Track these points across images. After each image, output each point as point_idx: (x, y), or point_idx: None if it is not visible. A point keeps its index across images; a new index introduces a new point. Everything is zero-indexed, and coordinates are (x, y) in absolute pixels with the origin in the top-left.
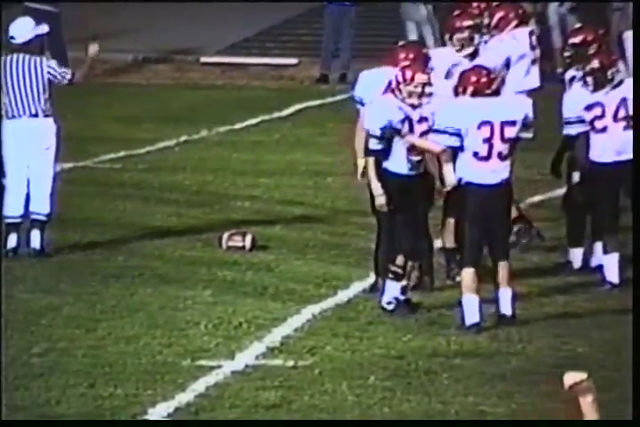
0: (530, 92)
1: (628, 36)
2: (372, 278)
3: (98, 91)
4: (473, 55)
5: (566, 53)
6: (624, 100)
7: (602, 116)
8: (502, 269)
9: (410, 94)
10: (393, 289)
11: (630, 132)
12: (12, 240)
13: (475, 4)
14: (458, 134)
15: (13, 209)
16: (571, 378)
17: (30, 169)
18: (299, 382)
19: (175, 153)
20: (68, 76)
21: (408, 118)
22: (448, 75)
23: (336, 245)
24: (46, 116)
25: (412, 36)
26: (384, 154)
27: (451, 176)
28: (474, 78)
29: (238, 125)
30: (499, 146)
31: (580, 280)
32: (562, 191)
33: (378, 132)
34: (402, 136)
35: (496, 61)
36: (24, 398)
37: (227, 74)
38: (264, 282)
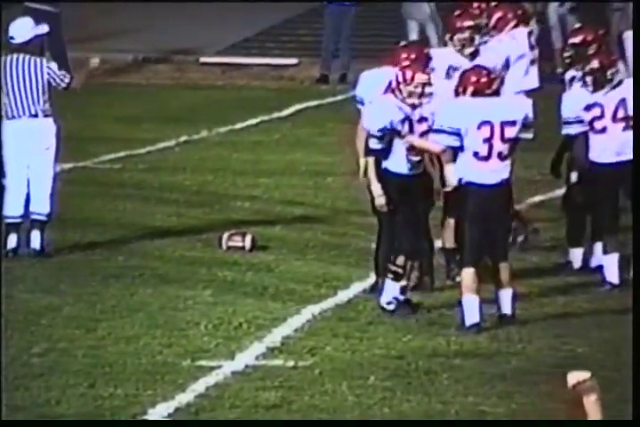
0: (529, 93)
1: (628, 36)
2: (372, 278)
3: (98, 91)
4: (473, 55)
5: (566, 53)
6: (623, 100)
7: (601, 117)
8: (503, 270)
9: (410, 94)
10: (392, 289)
11: (629, 133)
12: (12, 240)
13: (475, 5)
14: (458, 134)
15: (13, 209)
16: (574, 377)
17: (30, 169)
18: (299, 382)
19: (175, 153)
20: (67, 80)
21: (408, 118)
22: (448, 75)
23: (336, 245)
24: (46, 116)
25: (413, 35)
26: (384, 154)
27: (451, 176)
28: (474, 78)
29: (238, 125)
30: (499, 146)
31: (579, 280)
32: (562, 191)
33: (378, 132)
34: (402, 137)
35: (496, 61)
36: (24, 398)
37: (227, 74)
38: (264, 282)
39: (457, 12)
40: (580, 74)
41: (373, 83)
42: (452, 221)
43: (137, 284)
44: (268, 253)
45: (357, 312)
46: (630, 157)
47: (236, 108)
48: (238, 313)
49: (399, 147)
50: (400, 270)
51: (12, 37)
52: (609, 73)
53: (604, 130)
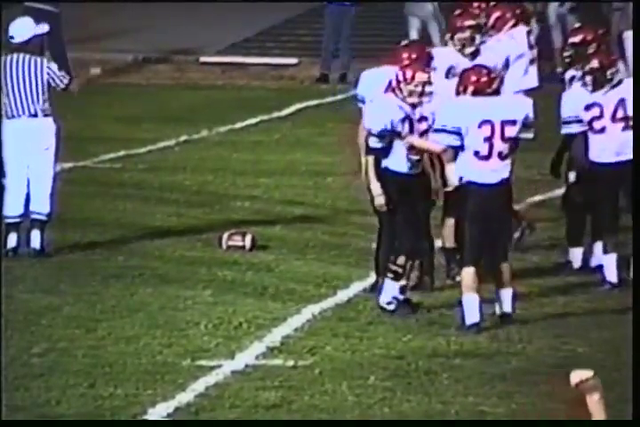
0: (528, 92)
1: (628, 35)
2: (372, 278)
3: (98, 91)
4: (474, 55)
5: (566, 53)
6: (622, 100)
7: (600, 117)
8: (504, 270)
9: (410, 93)
10: (391, 289)
11: (628, 133)
12: (12, 240)
13: (475, 4)
14: (458, 133)
15: (13, 209)
16: (577, 376)
17: (30, 169)
18: (299, 382)
19: (175, 153)
20: (66, 81)
21: (408, 117)
22: (449, 74)
23: (336, 245)
24: (46, 115)
25: (413, 33)
26: (384, 153)
27: (453, 176)
28: (474, 78)
29: (238, 125)
30: (499, 145)
31: (579, 280)
32: (561, 191)
33: (378, 132)
34: (402, 138)
35: (496, 61)
36: (24, 398)
37: (227, 74)
38: (264, 282)
39: (457, 12)
40: (579, 73)
41: (374, 82)
42: (451, 221)
43: (137, 284)
44: (267, 252)
45: (357, 312)
46: (629, 156)
47: (235, 108)
48: (238, 313)
49: (399, 146)
50: (400, 270)
51: (11, 37)
52: (609, 73)
53: (603, 130)
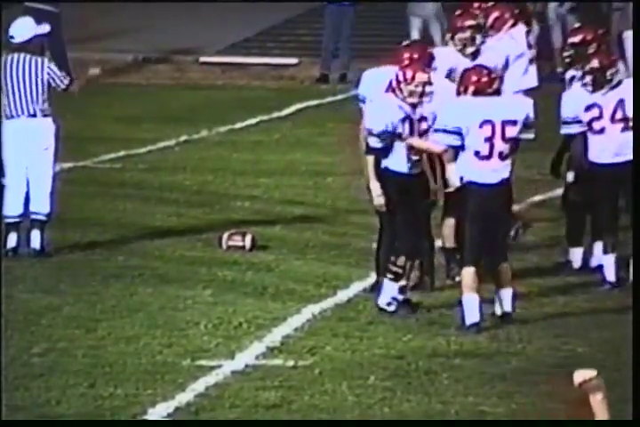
0: (528, 92)
1: (628, 35)
2: (372, 278)
3: (98, 91)
4: (475, 55)
5: (566, 53)
6: (621, 101)
7: (599, 118)
8: (504, 270)
9: (411, 93)
10: (391, 289)
11: (627, 134)
12: (12, 240)
13: (476, 5)
14: (459, 133)
15: (13, 208)
16: (580, 376)
17: (29, 169)
18: (299, 382)
19: (175, 153)
20: (66, 82)
21: (409, 118)
22: (450, 74)
23: (336, 245)
24: (45, 116)
25: (415, 32)
26: (384, 153)
27: (454, 176)
28: (475, 78)
29: (238, 125)
30: (500, 145)
31: (579, 280)
32: (562, 191)
33: (378, 132)
34: (403, 140)
35: (497, 61)
36: (24, 398)
37: (227, 74)
38: (264, 282)
39: (458, 12)
40: (579, 73)
41: (376, 81)
42: (451, 221)
43: (137, 284)
44: (267, 252)
45: (357, 312)
46: (628, 157)
47: (235, 108)
48: (238, 313)
49: (400, 146)
50: (400, 271)
51: (11, 37)
52: (609, 73)
53: (602, 130)
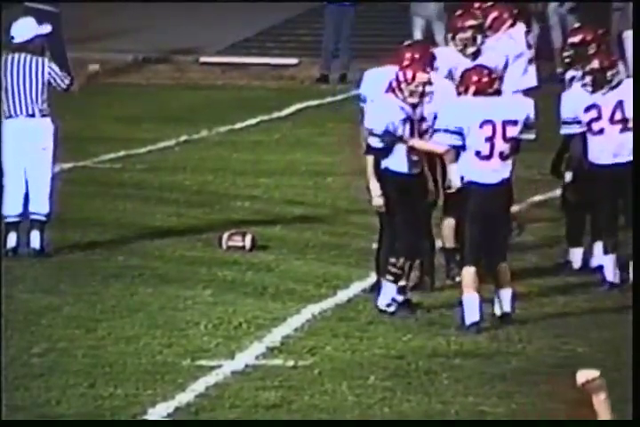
0: (527, 91)
1: (628, 35)
2: (372, 278)
3: (98, 91)
4: (475, 55)
5: (566, 53)
6: (620, 102)
7: (598, 118)
8: (503, 271)
9: (411, 94)
10: (390, 291)
11: (626, 135)
12: (12, 239)
13: (476, 5)
14: (460, 133)
15: (12, 208)
16: (583, 376)
17: (28, 169)
18: (299, 382)
19: (175, 153)
20: (67, 81)
21: (409, 118)
22: (450, 74)
23: (336, 245)
24: (43, 116)
25: (418, 33)
26: (385, 153)
27: (455, 177)
28: (475, 78)
29: (238, 125)
30: (500, 145)
31: (579, 280)
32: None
33: (379, 132)
34: (404, 142)
35: (497, 61)
36: (24, 398)
37: (227, 74)
38: (264, 282)
39: (459, 12)
40: (579, 74)
41: (377, 81)
42: (451, 221)
43: (137, 284)
44: (267, 252)
45: (357, 312)
46: (627, 158)
47: (235, 108)
48: (238, 313)
49: (400, 146)
50: (399, 272)
51: (12, 37)
52: (609, 74)
53: (601, 131)
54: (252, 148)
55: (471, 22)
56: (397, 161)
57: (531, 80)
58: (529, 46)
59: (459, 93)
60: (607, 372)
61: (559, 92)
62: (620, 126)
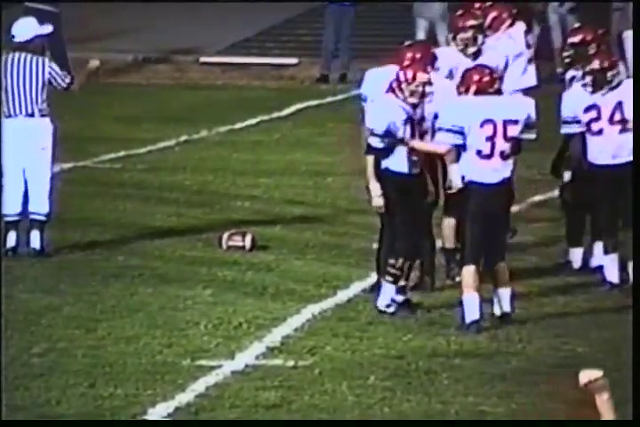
0: (527, 91)
1: (628, 35)
2: (372, 278)
3: (98, 91)
4: (476, 55)
5: (566, 53)
6: (620, 103)
7: (598, 119)
8: (501, 270)
9: (412, 94)
10: (389, 291)
11: (625, 136)
12: (12, 238)
13: (477, 5)
14: (461, 132)
15: (11, 207)
16: (586, 376)
17: (27, 169)
18: (299, 382)
19: (175, 153)
20: (67, 80)
21: (410, 119)
22: (451, 74)
23: (336, 245)
24: (42, 116)
25: (421, 34)
26: (385, 153)
27: (456, 177)
28: (476, 77)
29: (238, 125)
30: (501, 144)
31: (579, 280)
32: None
33: (380, 132)
34: (405, 144)
35: (498, 61)
36: (24, 398)
37: (227, 74)
38: (264, 282)
39: (459, 12)
40: (579, 74)
41: (378, 81)
42: (451, 221)
43: (137, 284)
44: (268, 252)
45: (357, 312)
46: (626, 159)
47: (236, 108)
48: (238, 313)
49: (401, 146)
50: (398, 273)
51: (13, 36)
52: (609, 75)
53: (600, 132)
54: (252, 148)
55: (472, 22)
56: (398, 161)
57: (530, 79)
58: (528, 46)
59: (459, 93)
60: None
61: (559, 92)
62: (619, 127)
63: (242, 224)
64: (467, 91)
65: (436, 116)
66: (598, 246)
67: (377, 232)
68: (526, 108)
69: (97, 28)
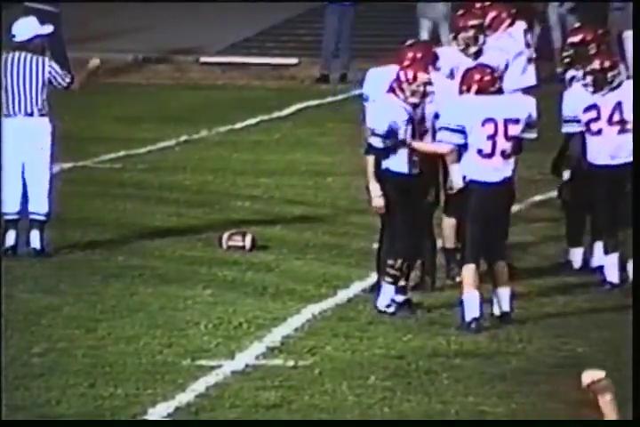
0: (526, 90)
1: (628, 35)
2: (372, 278)
3: (98, 91)
4: (477, 54)
5: (566, 53)
6: (619, 103)
7: (597, 119)
8: (500, 269)
9: (413, 93)
10: (389, 292)
11: (625, 136)
12: (11, 237)
13: (478, 5)
14: (462, 132)
15: (10, 206)
16: (588, 376)
17: (26, 168)
18: (299, 382)
19: (175, 153)
20: (68, 80)
21: (411, 119)
22: (452, 74)
23: (336, 245)
24: (42, 115)
25: (425, 34)
26: (385, 153)
27: (457, 177)
28: (478, 76)
29: (238, 125)
30: (502, 144)
31: (579, 280)
32: None
33: (381, 132)
34: (407, 145)
35: (499, 60)
36: (24, 398)
37: (227, 74)
38: (264, 282)
39: (460, 12)
40: (580, 73)
41: (380, 80)
42: (452, 221)
43: (137, 284)
44: (268, 252)
45: (357, 312)
46: (626, 160)
47: (235, 108)
48: (238, 313)
49: (402, 146)
50: (398, 273)
51: (13, 35)
52: (609, 75)
53: (599, 132)
54: (252, 148)
55: (473, 22)
56: (398, 161)
57: (530, 79)
58: (528, 45)
59: (461, 92)
60: (607, 372)
61: (560, 92)
62: (618, 128)
63: (242, 224)
64: (468, 90)
65: (436, 116)
66: (598, 246)
67: (377, 232)
68: (527, 107)
69: (97, 28)
